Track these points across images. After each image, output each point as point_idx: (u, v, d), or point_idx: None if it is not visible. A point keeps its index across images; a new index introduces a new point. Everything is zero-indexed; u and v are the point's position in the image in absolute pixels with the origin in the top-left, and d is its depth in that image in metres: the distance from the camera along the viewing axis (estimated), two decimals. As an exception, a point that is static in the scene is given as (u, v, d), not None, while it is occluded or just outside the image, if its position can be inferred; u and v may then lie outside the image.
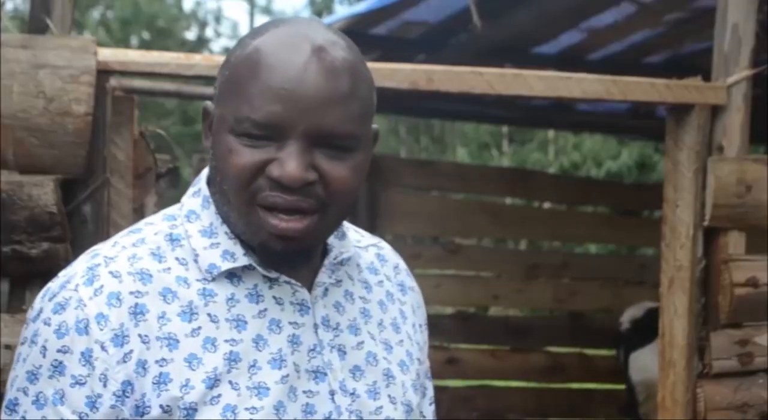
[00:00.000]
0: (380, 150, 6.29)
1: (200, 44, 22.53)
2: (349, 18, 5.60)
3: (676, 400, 3.47)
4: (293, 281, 1.48)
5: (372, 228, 6.28)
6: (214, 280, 1.45)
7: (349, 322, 1.53)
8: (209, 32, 24.07)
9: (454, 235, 7.34)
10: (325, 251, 1.54)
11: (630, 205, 8.35)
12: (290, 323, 1.46)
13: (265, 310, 1.46)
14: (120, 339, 1.38)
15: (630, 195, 7.84)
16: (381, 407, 1.52)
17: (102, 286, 1.40)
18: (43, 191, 2.83)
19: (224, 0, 32.70)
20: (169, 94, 3.93)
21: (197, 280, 1.45)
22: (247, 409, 1.40)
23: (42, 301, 1.44)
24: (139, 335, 1.39)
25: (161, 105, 17.95)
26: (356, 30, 5.40)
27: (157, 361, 1.39)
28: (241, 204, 1.42)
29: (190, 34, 23.03)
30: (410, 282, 1.69)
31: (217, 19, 24.28)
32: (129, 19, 20.45)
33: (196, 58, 3.11)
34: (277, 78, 1.38)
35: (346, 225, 1.60)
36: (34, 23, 3.00)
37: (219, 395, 1.40)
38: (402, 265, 1.70)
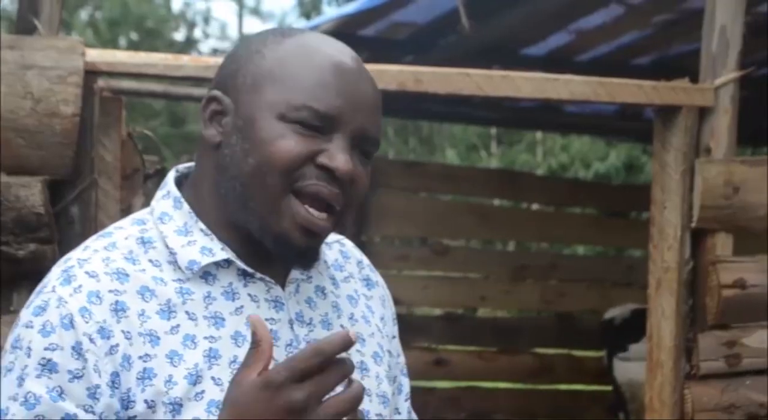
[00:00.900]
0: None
1: (189, 45, 22.51)
2: (337, 19, 5.60)
3: (664, 401, 3.48)
4: (267, 278, 1.50)
5: (360, 229, 6.28)
6: (188, 280, 1.46)
7: (321, 317, 1.55)
8: (198, 33, 24.04)
9: (442, 236, 7.34)
10: None
11: (618, 207, 8.37)
12: (267, 320, 1.47)
13: (242, 307, 1.47)
14: (106, 332, 1.39)
15: (618, 196, 7.86)
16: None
17: (80, 286, 1.41)
18: (31, 192, 2.82)
19: (213, 1, 32.66)
20: (156, 95, 3.92)
21: (173, 280, 1.46)
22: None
23: (22, 311, 1.45)
24: (122, 331, 1.40)
25: (149, 106, 17.93)
26: (345, 31, 5.40)
27: (140, 357, 1.40)
28: (276, 189, 1.43)
29: (179, 35, 23.01)
30: (375, 276, 1.71)
31: (206, 20, 24.25)
32: (117, 20, 20.42)
33: (184, 59, 3.11)
34: (339, 74, 1.45)
35: None
36: (22, 24, 2.99)
37: (202, 391, 1.41)
38: (365, 260, 1.72)
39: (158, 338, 1.41)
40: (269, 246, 1.47)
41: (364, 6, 5.19)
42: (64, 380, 1.37)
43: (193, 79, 3.17)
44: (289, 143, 1.42)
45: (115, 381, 1.38)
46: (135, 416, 1.39)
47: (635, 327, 5.64)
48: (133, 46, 19.33)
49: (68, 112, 2.87)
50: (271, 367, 1.39)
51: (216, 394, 1.41)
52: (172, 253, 1.47)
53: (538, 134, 16.25)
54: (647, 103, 3.47)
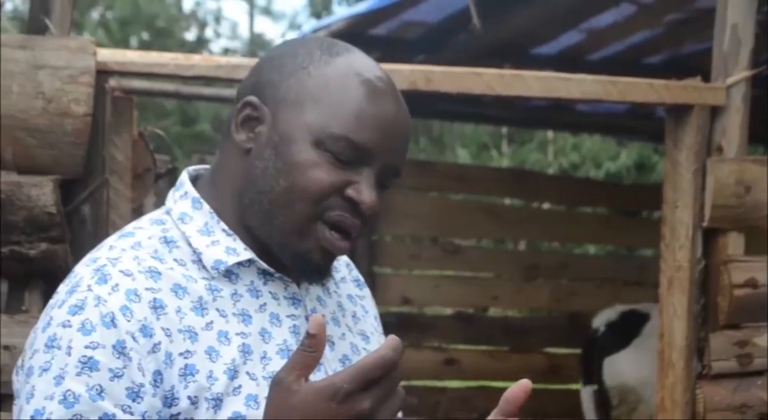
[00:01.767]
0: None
1: (200, 45, 22.51)
2: (348, 18, 5.60)
3: (675, 401, 3.47)
4: (285, 277, 1.53)
5: (371, 229, 6.27)
6: (214, 278, 1.48)
7: (331, 315, 1.59)
8: (209, 33, 24.05)
9: (453, 235, 7.33)
10: None
11: (629, 206, 8.35)
12: (288, 316, 1.51)
13: (265, 304, 1.50)
14: (148, 330, 1.39)
15: (629, 196, 7.84)
16: None
17: (117, 284, 1.41)
18: (42, 192, 2.82)
19: (224, 0, 32.68)
20: (168, 94, 3.93)
21: (202, 279, 1.48)
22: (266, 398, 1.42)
23: (50, 311, 1.43)
24: (162, 329, 1.40)
25: (160, 105, 17.93)
26: (356, 31, 5.40)
27: (181, 354, 1.41)
28: (304, 214, 1.46)
29: (190, 35, 23.02)
30: (361, 277, 1.76)
31: (217, 19, 24.25)
32: (128, 20, 20.43)
33: (195, 59, 3.11)
34: (381, 107, 1.47)
35: None
36: (34, 24, 3.00)
37: (240, 386, 1.43)
38: (351, 262, 1.76)
39: (196, 334, 1.43)
40: (286, 261, 1.50)
41: (375, 5, 5.19)
42: (105, 379, 1.36)
43: (204, 78, 3.17)
44: (321, 173, 1.45)
45: (157, 379, 1.39)
46: (179, 413, 1.40)
47: (625, 330, 5.65)
48: (144, 46, 19.34)
49: (80, 111, 2.88)
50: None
51: (252, 388, 1.43)
52: (196, 253, 1.49)
53: (549, 133, 16.21)
54: (659, 102, 3.47)
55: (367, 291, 1.75)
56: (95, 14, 21.23)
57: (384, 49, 5.51)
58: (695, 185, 3.44)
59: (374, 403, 1.26)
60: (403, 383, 1.31)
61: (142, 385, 1.38)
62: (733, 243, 3.48)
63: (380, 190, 1.50)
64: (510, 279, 7.05)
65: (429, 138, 19.20)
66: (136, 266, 1.44)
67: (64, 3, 2.99)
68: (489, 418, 1.45)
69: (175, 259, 1.48)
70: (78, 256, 2.71)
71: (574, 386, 7.23)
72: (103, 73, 2.97)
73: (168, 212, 1.54)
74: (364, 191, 1.46)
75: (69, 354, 1.37)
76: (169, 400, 1.39)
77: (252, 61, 3.19)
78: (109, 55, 3.02)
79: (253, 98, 1.50)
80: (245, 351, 1.45)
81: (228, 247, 1.49)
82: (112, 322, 1.38)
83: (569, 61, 5.63)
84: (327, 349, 1.53)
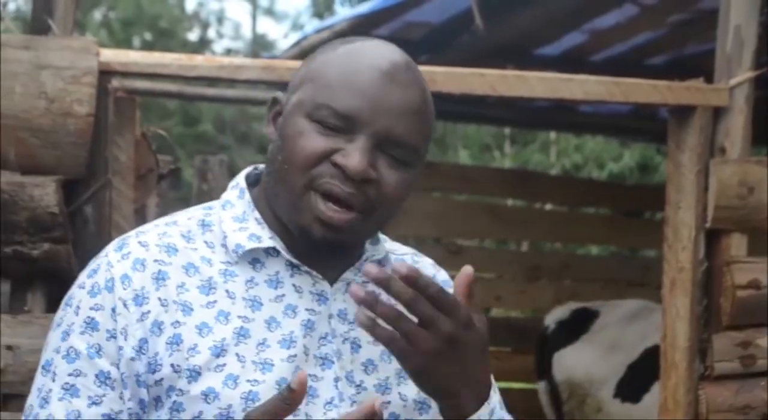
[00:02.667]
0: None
1: (202, 45, 22.53)
2: (351, 19, 5.59)
3: (678, 402, 3.47)
4: (314, 272, 1.55)
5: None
6: (236, 263, 1.53)
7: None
8: (211, 33, 24.07)
9: (455, 236, 7.33)
10: (360, 254, 1.61)
11: (632, 207, 8.35)
12: (306, 310, 1.54)
13: (283, 295, 1.54)
14: (140, 299, 1.48)
15: (632, 196, 7.84)
16: (389, 402, 1.56)
17: (129, 253, 1.51)
18: (45, 192, 2.83)
19: (227, 1, 32.71)
20: (170, 95, 3.93)
21: (221, 262, 1.54)
22: (248, 380, 1.47)
23: (81, 275, 1.55)
24: (159, 298, 1.48)
25: (163, 106, 17.95)
26: (358, 31, 5.39)
27: (172, 324, 1.48)
28: (297, 185, 1.49)
29: (193, 35, 23.03)
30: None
31: (220, 20, 24.27)
32: (131, 20, 20.45)
33: (198, 59, 3.11)
34: (365, 78, 1.49)
35: (382, 236, 1.69)
36: (36, 24, 3.00)
37: (224, 364, 1.47)
38: (440, 276, 1.75)
39: (191, 309, 1.49)
40: (298, 237, 1.53)
41: (378, 6, 5.19)
42: (103, 338, 1.47)
43: (207, 79, 3.17)
44: (307, 141, 1.49)
45: (143, 347, 1.47)
46: (161, 379, 1.47)
47: (574, 326, 5.69)
48: (147, 47, 19.36)
49: (82, 112, 2.88)
50: (301, 353, 1.49)
51: (236, 369, 1.47)
52: (225, 236, 1.55)
53: (552, 134, 16.21)
54: (662, 103, 3.47)
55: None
56: (98, 14, 21.25)
57: (387, 50, 5.50)
58: (698, 186, 3.44)
59: None
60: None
61: (121, 348, 1.47)
62: (736, 244, 3.48)
63: (394, 164, 1.50)
64: (513, 280, 7.05)
65: (432, 139, 19.19)
66: (156, 240, 1.53)
67: (67, 3, 2.99)
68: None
69: (205, 242, 1.55)
70: (80, 256, 2.72)
71: (576, 387, 7.23)
72: (105, 73, 2.97)
73: (221, 200, 1.62)
74: (351, 155, 1.47)
75: (77, 314, 1.50)
76: (153, 367, 1.47)
77: (255, 62, 3.19)
78: (112, 55, 3.02)
79: (279, 94, 1.59)
80: (241, 334, 1.49)
81: (252, 234, 1.54)
82: (112, 287, 1.49)
83: (572, 62, 5.63)
84: (347, 350, 1.55)
